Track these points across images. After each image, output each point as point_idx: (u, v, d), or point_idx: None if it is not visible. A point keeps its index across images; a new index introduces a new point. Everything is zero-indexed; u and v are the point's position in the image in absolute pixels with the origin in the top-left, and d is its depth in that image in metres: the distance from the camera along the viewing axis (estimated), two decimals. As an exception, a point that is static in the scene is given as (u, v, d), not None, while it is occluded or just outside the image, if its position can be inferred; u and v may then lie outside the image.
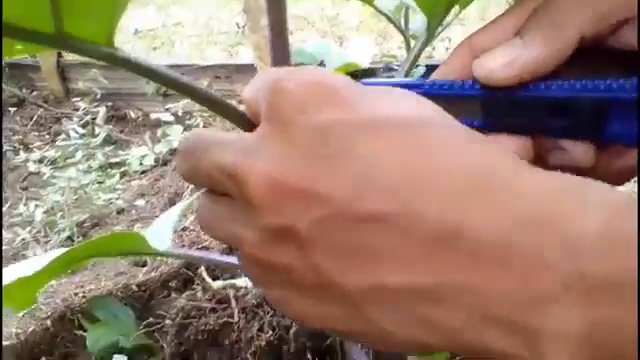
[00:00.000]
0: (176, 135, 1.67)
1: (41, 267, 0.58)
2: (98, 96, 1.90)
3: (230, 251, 0.88)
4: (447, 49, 2.15)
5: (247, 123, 0.44)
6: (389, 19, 1.37)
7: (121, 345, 0.66)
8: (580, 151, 0.27)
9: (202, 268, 0.73)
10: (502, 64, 0.27)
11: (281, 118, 0.24)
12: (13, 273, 0.61)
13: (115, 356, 0.61)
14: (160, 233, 0.70)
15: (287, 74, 0.25)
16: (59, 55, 1.95)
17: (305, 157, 0.22)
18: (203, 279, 0.69)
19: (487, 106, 0.27)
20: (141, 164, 1.58)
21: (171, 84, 0.41)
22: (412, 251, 0.21)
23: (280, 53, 0.52)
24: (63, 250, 0.62)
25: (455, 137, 0.23)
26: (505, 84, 0.27)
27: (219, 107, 0.43)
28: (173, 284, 0.87)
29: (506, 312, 0.20)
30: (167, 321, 0.60)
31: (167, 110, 1.83)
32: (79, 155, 1.57)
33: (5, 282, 0.60)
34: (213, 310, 0.60)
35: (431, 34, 0.61)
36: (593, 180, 0.22)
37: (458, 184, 0.21)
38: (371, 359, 0.61)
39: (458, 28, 2.40)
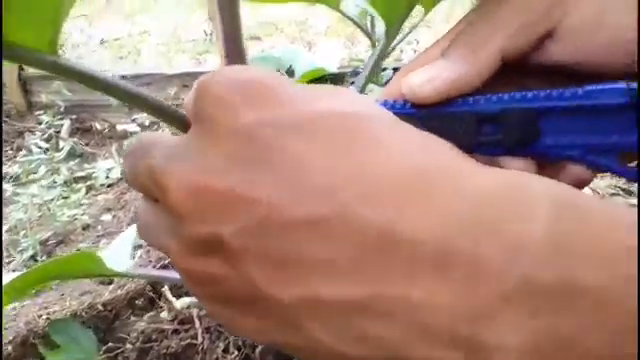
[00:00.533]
0: (143, 146, 1.63)
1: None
2: (62, 109, 1.85)
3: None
4: (415, 51, 2.16)
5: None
6: (355, 23, 1.36)
7: (82, 372, 0.64)
8: (519, 167, 0.27)
9: (166, 287, 0.71)
10: (424, 81, 0.26)
11: (205, 119, 0.22)
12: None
13: (73, 384, 0.59)
14: (118, 253, 0.68)
15: (214, 74, 0.23)
16: (20, 68, 1.89)
17: (230, 160, 0.21)
18: (166, 298, 0.67)
19: (419, 124, 0.27)
20: (107, 177, 1.54)
21: (116, 92, 0.39)
22: (346, 260, 0.19)
23: (236, 61, 0.51)
24: (14, 275, 0.60)
25: (392, 135, 0.22)
26: (428, 101, 0.27)
27: (167, 115, 0.42)
28: (140, 302, 0.84)
29: (446, 326, 0.18)
30: (128, 345, 0.58)
31: (133, 121, 1.79)
32: (43, 170, 1.53)
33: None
34: (176, 332, 0.58)
35: (390, 39, 0.60)
36: (539, 177, 0.21)
37: (393, 185, 0.20)
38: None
39: (425, 30, 2.41)
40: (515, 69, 0.27)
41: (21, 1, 0.31)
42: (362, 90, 0.62)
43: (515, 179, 0.20)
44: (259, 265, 0.21)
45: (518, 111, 0.25)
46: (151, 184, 0.24)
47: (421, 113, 0.25)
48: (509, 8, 0.27)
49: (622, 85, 0.24)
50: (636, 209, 0.19)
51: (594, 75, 0.26)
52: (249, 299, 0.22)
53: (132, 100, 0.38)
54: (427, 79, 0.27)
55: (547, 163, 0.27)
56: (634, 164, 0.25)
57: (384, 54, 0.63)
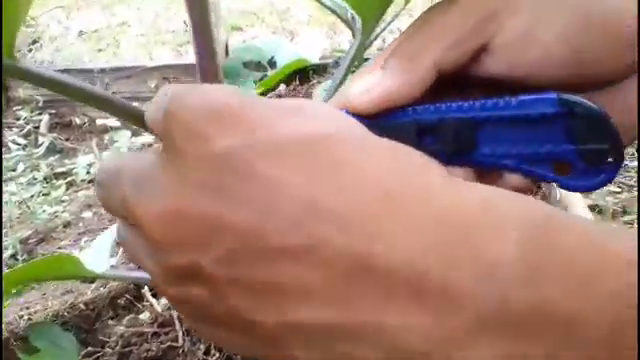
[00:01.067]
0: (124, 141, 1.61)
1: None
2: (40, 103, 1.82)
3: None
4: (398, 40, 2.15)
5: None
6: (335, 13, 1.35)
7: (62, 376, 0.63)
8: (460, 176, 0.27)
9: (146, 288, 0.70)
10: (359, 92, 0.27)
11: (172, 146, 0.22)
12: None
13: (53, 389, 0.58)
14: (98, 254, 0.67)
15: (179, 96, 0.23)
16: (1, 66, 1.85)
17: (202, 189, 0.21)
18: (148, 300, 0.66)
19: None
20: (88, 173, 1.52)
21: (76, 94, 0.38)
22: (324, 286, 0.19)
23: (205, 53, 0.50)
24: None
25: (360, 156, 0.21)
26: (365, 112, 0.27)
27: (131, 115, 0.41)
28: (122, 301, 0.84)
29: (421, 351, 0.18)
30: (107, 349, 0.57)
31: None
32: (21, 167, 1.50)
33: None
34: (156, 334, 0.57)
35: (367, 34, 0.60)
36: (513, 196, 0.21)
37: (364, 212, 0.19)
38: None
39: (408, 19, 2.40)
40: (455, 81, 0.28)
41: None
42: (341, 82, 0.62)
43: (488, 198, 0.20)
44: (239, 292, 0.21)
45: (454, 121, 0.26)
46: (125, 213, 0.24)
47: (364, 123, 0.25)
48: (444, 22, 0.27)
49: (553, 95, 0.24)
50: (609, 227, 0.19)
51: (531, 87, 0.26)
52: (235, 323, 0.22)
53: (94, 101, 0.37)
54: (365, 90, 0.27)
55: (485, 172, 0.27)
56: (569, 174, 0.25)
57: (363, 47, 0.62)
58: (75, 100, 0.35)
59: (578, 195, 0.92)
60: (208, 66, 0.46)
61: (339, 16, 1.40)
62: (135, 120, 0.39)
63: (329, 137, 0.21)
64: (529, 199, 0.20)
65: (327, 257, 0.19)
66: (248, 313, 0.21)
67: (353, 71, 1.38)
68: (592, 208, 1.18)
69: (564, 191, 0.93)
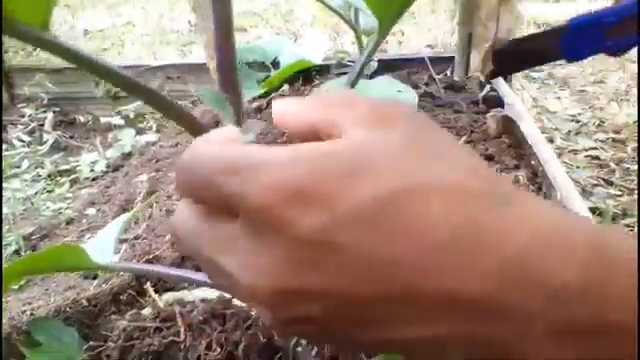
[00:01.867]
0: (128, 139, 1.62)
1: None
2: (45, 101, 1.83)
3: (181, 262, 0.85)
4: (400, 43, 2.17)
5: (194, 127, 0.42)
6: (340, 15, 1.36)
7: (65, 369, 0.64)
8: None
9: (148, 284, 0.71)
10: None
11: (258, 229, 0.24)
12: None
13: (57, 383, 0.59)
14: (102, 246, 0.68)
15: (251, 180, 0.24)
16: (1, 60, 1.87)
17: (300, 266, 0.24)
18: (151, 295, 0.67)
19: None
20: (92, 170, 1.54)
21: (102, 72, 0.39)
22: (424, 315, 0.23)
23: (225, 53, 0.50)
24: (-4, 271, 0.59)
25: (429, 202, 0.23)
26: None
27: (157, 102, 0.42)
28: (124, 297, 0.84)
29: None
30: (110, 343, 0.58)
31: (118, 113, 1.78)
32: (26, 164, 1.52)
33: None
34: (158, 329, 0.58)
35: (383, 36, 0.60)
36: (577, 219, 0.24)
37: (443, 254, 0.22)
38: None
39: (410, 21, 2.41)
40: None
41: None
42: (352, 86, 0.63)
43: (557, 224, 0.23)
44: (346, 326, 0.24)
45: None
46: (228, 283, 0.26)
47: None
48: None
49: None
50: None
51: None
52: (339, 340, 0.26)
53: (118, 82, 0.38)
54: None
55: None
56: None
57: (376, 49, 0.63)
58: (107, 80, 0.36)
59: (579, 198, 0.93)
60: (227, 61, 0.47)
61: (343, 17, 1.41)
62: (161, 107, 0.40)
63: (396, 194, 0.23)
64: (580, 221, 0.23)
65: (417, 301, 0.23)
66: (353, 336, 0.25)
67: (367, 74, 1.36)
68: (592, 210, 1.19)
69: (565, 193, 0.94)
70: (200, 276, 0.66)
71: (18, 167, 1.50)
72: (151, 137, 1.65)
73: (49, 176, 1.50)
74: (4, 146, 1.64)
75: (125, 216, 0.85)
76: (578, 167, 1.37)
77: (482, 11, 1.35)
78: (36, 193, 1.39)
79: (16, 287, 0.98)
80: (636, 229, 1.16)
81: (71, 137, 1.77)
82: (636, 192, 1.25)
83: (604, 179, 1.32)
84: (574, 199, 0.90)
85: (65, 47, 0.35)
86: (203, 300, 0.62)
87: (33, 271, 0.60)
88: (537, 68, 1.98)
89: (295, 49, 1.83)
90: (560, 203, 0.93)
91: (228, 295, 0.61)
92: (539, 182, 1.06)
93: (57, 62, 2.04)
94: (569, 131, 1.55)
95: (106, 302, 0.84)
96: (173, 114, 0.45)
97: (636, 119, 1.55)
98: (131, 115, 1.77)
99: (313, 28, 2.46)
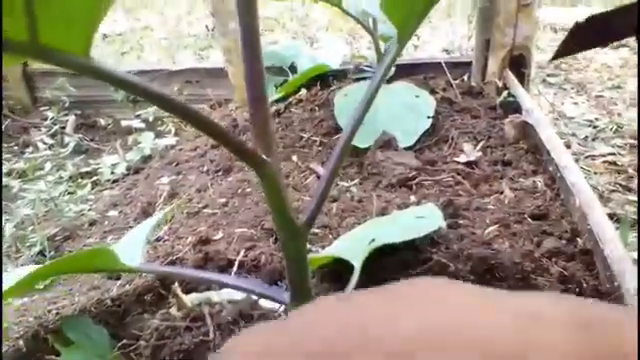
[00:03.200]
0: (147, 142, 1.65)
1: (6, 287, 0.57)
2: (66, 104, 1.87)
3: (203, 264, 0.87)
4: (416, 47, 2.18)
5: (218, 133, 0.44)
6: (357, 21, 1.38)
7: (96, 366, 0.66)
8: None
9: (176, 284, 0.72)
10: None
11: None
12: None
13: (90, 379, 0.61)
14: (130, 248, 0.70)
15: None
16: (25, 64, 1.91)
17: None
18: (176, 295, 0.69)
19: None
20: (113, 173, 1.56)
21: (143, 93, 0.41)
22: None
23: (251, 62, 0.52)
24: (29, 269, 0.62)
25: None
26: None
27: (190, 116, 0.43)
28: (148, 298, 0.86)
29: None
30: (141, 342, 0.60)
31: (137, 117, 1.81)
32: (49, 166, 1.55)
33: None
34: (188, 329, 0.60)
35: (402, 45, 0.62)
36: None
37: None
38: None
39: (427, 27, 2.42)
40: None
41: (55, 3, 0.32)
42: (374, 94, 0.64)
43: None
44: None
45: None
46: None
47: None
48: None
49: None
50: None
51: None
52: None
53: (156, 101, 0.40)
54: None
55: None
56: None
57: (395, 59, 0.64)
58: (144, 98, 0.38)
59: (597, 203, 0.93)
60: (254, 65, 0.49)
61: (361, 23, 1.42)
62: (197, 122, 0.42)
63: None
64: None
65: None
66: None
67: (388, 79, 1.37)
68: (610, 217, 1.19)
69: (583, 199, 0.94)
70: (225, 278, 0.68)
71: (41, 169, 1.53)
72: (170, 140, 1.67)
73: (71, 178, 1.53)
74: (28, 148, 1.68)
75: (153, 219, 0.87)
76: (595, 173, 1.37)
77: (500, 17, 1.36)
78: (59, 195, 1.41)
79: (41, 287, 1.00)
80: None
81: (92, 140, 1.80)
82: (654, 198, 1.25)
83: (622, 185, 1.32)
84: (593, 205, 0.90)
85: (110, 74, 0.37)
86: (230, 301, 0.64)
87: (65, 272, 0.62)
88: (554, 73, 1.98)
89: (312, 54, 1.86)
90: (579, 208, 0.94)
91: (254, 297, 0.63)
92: (556, 188, 1.06)
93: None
94: (586, 137, 1.55)
95: (130, 302, 0.86)
96: (195, 121, 0.47)
97: (654, 125, 1.55)
98: (150, 118, 1.80)
99: (329, 32, 2.48)
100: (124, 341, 0.69)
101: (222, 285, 0.63)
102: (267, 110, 0.51)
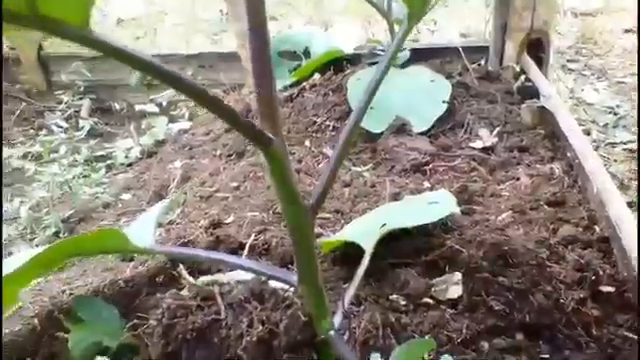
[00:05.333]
0: (161, 126, 1.65)
1: (20, 265, 0.57)
2: (81, 88, 1.87)
3: (215, 246, 0.87)
4: (433, 32, 2.15)
5: (227, 114, 0.43)
6: (372, 4, 1.36)
7: (105, 345, 0.66)
8: None
9: (181, 266, 0.72)
10: None
11: None
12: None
13: (98, 357, 0.61)
14: (142, 230, 0.70)
15: None
16: (40, 48, 1.91)
17: None
18: (181, 276, 0.69)
19: None
20: (127, 157, 1.57)
21: (144, 67, 0.40)
22: None
23: (262, 71, 0.51)
24: (42, 248, 0.62)
25: None
26: None
27: (193, 92, 0.43)
28: (160, 279, 0.86)
29: None
30: (152, 321, 0.60)
31: (151, 101, 1.81)
32: (63, 149, 1.55)
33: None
34: (199, 308, 0.60)
35: (413, 24, 0.60)
36: None
37: None
38: (357, 354, 0.62)
39: (443, 10, 2.38)
40: None
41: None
42: (384, 74, 0.63)
43: None
44: None
45: None
46: None
47: None
48: None
49: None
50: None
51: None
52: None
53: (159, 75, 0.39)
54: None
55: None
56: None
57: (405, 37, 0.63)
58: (149, 74, 0.37)
59: (616, 191, 0.91)
60: (261, 51, 0.48)
61: (375, 6, 1.40)
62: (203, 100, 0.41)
63: None
64: None
65: None
66: None
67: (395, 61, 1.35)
68: (630, 205, 1.16)
69: (601, 186, 0.92)
70: (236, 259, 0.68)
71: (56, 152, 1.54)
72: (184, 125, 1.67)
73: (86, 161, 1.54)
74: (43, 131, 1.69)
75: (165, 202, 0.87)
76: (615, 161, 1.34)
77: (518, 0, 1.33)
78: (73, 178, 1.42)
79: (56, 268, 1.01)
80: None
81: (106, 124, 1.81)
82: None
83: (642, 173, 1.29)
84: (611, 192, 0.88)
85: (107, 44, 0.36)
86: (239, 282, 0.64)
87: (78, 252, 0.62)
88: (574, 58, 1.94)
89: (326, 38, 1.83)
90: (597, 194, 0.92)
91: (263, 277, 0.63)
92: (574, 175, 1.04)
93: (93, 50, 2.08)
94: (606, 124, 1.52)
95: (143, 284, 0.86)
96: (207, 102, 0.46)
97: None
98: (164, 103, 1.80)
99: (344, 17, 2.45)
100: (135, 321, 0.69)
101: (232, 266, 0.63)
102: (273, 89, 0.50)
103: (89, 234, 0.63)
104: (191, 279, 0.67)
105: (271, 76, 0.52)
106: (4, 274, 0.60)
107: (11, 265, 0.62)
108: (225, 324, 0.58)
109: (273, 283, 0.62)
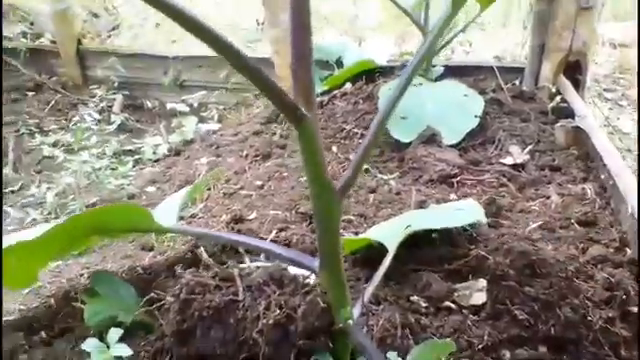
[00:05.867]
0: (191, 126, 1.66)
1: (42, 233, 0.57)
2: (115, 84, 1.91)
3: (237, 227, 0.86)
4: (467, 53, 2.14)
5: (258, 76, 0.42)
6: (407, 14, 1.35)
7: (120, 320, 0.65)
8: None
9: (202, 249, 0.71)
10: None
11: None
12: (13, 239, 0.61)
13: (111, 329, 0.60)
14: (166, 211, 0.70)
15: None
16: (79, 42, 1.96)
17: None
18: (205, 258, 0.68)
19: None
20: (154, 153, 1.59)
21: (178, 17, 0.40)
22: None
23: (301, 48, 0.51)
24: (65, 218, 0.62)
25: None
26: None
27: (222, 48, 0.43)
28: (179, 268, 0.86)
29: None
30: (169, 298, 0.59)
31: (183, 101, 1.83)
32: (93, 140, 1.58)
33: (5, 247, 0.60)
34: (218, 287, 0.59)
35: (445, 25, 0.59)
36: None
37: None
38: (374, 342, 0.60)
39: (478, 34, 2.38)
40: None
41: None
42: (410, 79, 0.62)
43: None
44: None
45: None
46: None
47: None
48: None
49: None
50: None
51: None
52: None
53: (207, 39, 0.39)
54: None
55: None
56: None
57: (436, 42, 0.62)
58: (182, 25, 0.38)
59: (634, 185, 0.88)
60: (301, 19, 0.48)
61: (410, 16, 1.39)
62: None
63: None
64: None
65: None
66: None
67: (422, 74, 1.33)
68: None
69: (635, 206, 0.89)
70: (258, 242, 0.67)
71: (87, 143, 1.57)
72: (213, 126, 1.68)
73: (114, 154, 1.56)
74: (77, 122, 1.72)
75: (189, 187, 0.87)
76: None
77: (557, 20, 1.31)
78: (101, 168, 1.44)
79: (76, 253, 1.01)
80: None
81: (137, 120, 1.83)
82: None
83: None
84: (630, 185, 0.85)
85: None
86: (260, 267, 0.63)
87: (101, 226, 0.62)
88: (611, 88, 1.91)
89: (359, 50, 1.84)
90: (629, 218, 0.89)
91: (284, 265, 0.62)
92: (607, 196, 1.01)
93: (128, 46, 2.12)
94: (641, 152, 1.48)
95: (161, 271, 0.86)
96: (248, 71, 0.46)
97: None
98: (195, 104, 1.82)
99: (378, 33, 2.46)
100: (151, 294, 0.68)
101: (254, 248, 0.62)
102: (310, 66, 0.50)
103: (114, 206, 0.63)
104: (210, 260, 0.66)
105: (310, 55, 0.52)
106: (24, 240, 0.60)
107: (32, 234, 0.62)
108: (242, 305, 0.56)
109: (293, 270, 0.61)
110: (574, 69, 1.34)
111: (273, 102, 0.48)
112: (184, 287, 0.58)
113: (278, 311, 0.55)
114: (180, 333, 0.58)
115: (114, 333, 0.59)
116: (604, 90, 1.91)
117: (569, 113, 1.24)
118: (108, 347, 0.58)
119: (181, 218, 1.08)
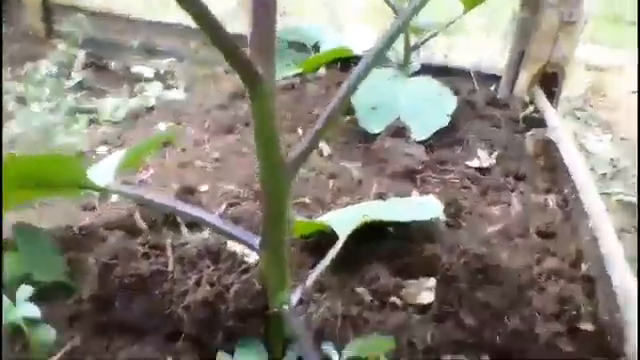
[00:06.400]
0: (154, 91, 1.59)
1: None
2: (80, 41, 1.81)
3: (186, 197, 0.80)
4: (445, 56, 2.11)
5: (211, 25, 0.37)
6: (388, 3, 1.31)
7: (36, 279, 0.59)
8: None
9: (137, 214, 0.66)
10: None
11: None
12: None
13: (21, 287, 0.54)
14: (103, 171, 0.64)
15: None
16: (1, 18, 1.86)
17: None
18: (139, 223, 0.62)
19: None
20: (112, 115, 1.50)
21: None
22: None
23: (263, 27, 0.46)
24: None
25: None
26: None
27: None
28: (108, 231, 0.80)
29: None
30: (91, 260, 0.53)
31: (150, 66, 1.75)
32: (48, 94, 1.49)
33: None
34: (145, 255, 0.54)
35: (421, 5, 0.55)
36: None
37: None
38: (311, 331, 0.56)
39: (462, 39, 2.36)
40: None
41: None
42: (375, 61, 0.57)
43: None
44: None
45: None
46: None
47: None
48: None
49: None
50: None
51: None
52: None
53: None
54: None
55: None
56: None
57: (406, 24, 0.58)
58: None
59: (610, 229, 0.86)
60: (264, 34, 0.43)
61: (393, 8, 1.35)
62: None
63: None
64: None
65: None
66: None
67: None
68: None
69: (597, 222, 0.87)
70: (197, 211, 0.61)
71: (41, 96, 1.48)
72: (177, 95, 1.61)
73: (69, 111, 1.47)
74: (32, 74, 1.62)
75: (131, 148, 0.80)
76: (607, 210, 1.30)
77: (540, 30, 1.30)
78: (54, 125, 1.36)
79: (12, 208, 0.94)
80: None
81: (98, 80, 1.74)
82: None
83: (635, 227, 1.25)
84: (605, 230, 0.84)
85: None
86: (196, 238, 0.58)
87: (31, 175, 0.55)
88: (582, 107, 1.92)
89: (338, 37, 1.79)
90: (589, 233, 0.87)
91: (224, 240, 0.57)
92: (569, 210, 0.99)
93: (100, 5, 2.02)
94: (604, 173, 1.49)
95: (96, 233, 0.80)
96: (207, 25, 0.41)
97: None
98: (162, 71, 1.74)
99: (360, 23, 2.42)
100: (71, 253, 0.62)
101: (192, 218, 0.57)
102: (273, 23, 0.45)
103: (47, 155, 0.57)
104: (144, 225, 0.61)
105: (273, 11, 0.47)
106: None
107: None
108: (170, 277, 0.51)
109: (234, 246, 0.56)
110: (550, 81, 1.32)
111: (225, 57, 0.43)
112: (108, 251, 0.53)
113: (209, 287, 0.50)
114: (98, 299, 0.52)
115: (23, 291, 0.53)
116: (574, 109, 1.92)
117: (540, 124, 1.23)
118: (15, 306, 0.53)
119: (129, 183, 1.02)
